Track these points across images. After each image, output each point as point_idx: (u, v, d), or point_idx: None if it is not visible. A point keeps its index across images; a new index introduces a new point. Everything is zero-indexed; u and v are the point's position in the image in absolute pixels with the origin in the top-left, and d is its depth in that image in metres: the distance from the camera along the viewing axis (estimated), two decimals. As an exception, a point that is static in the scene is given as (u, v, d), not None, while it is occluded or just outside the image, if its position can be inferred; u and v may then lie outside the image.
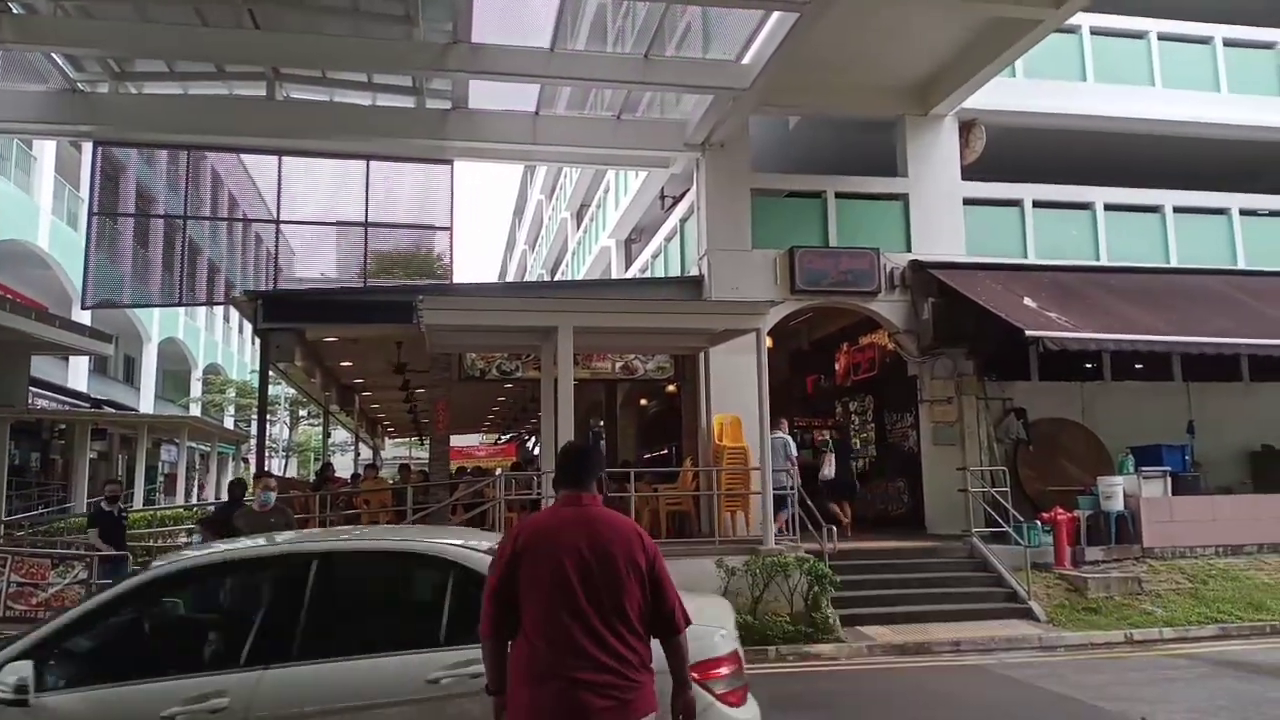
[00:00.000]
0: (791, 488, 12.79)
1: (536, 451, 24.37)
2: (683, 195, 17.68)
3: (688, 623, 3.47)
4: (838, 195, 15.91)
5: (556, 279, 37.04)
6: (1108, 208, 16.87)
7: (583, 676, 3.16)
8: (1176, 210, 17.11)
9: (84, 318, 22.33)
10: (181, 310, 34.94)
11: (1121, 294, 15.18)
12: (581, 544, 3.33)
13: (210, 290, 19.48)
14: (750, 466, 12.99)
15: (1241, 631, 11.30)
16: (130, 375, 34.28)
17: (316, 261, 16.61)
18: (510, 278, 55.03)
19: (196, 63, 15.19)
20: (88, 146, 17.91)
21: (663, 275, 18.64)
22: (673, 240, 18.25)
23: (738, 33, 13.80)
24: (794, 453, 13.98)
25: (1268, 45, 17.83)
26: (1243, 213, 17.43)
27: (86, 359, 26.38)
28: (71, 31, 13.36)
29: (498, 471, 17.25)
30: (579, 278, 30.06)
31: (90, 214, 16.28)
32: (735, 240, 15.28)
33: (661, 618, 3.39)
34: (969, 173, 16.34)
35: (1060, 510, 13.32)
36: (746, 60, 13.98)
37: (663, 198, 20.07)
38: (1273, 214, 17.66)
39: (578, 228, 31.81)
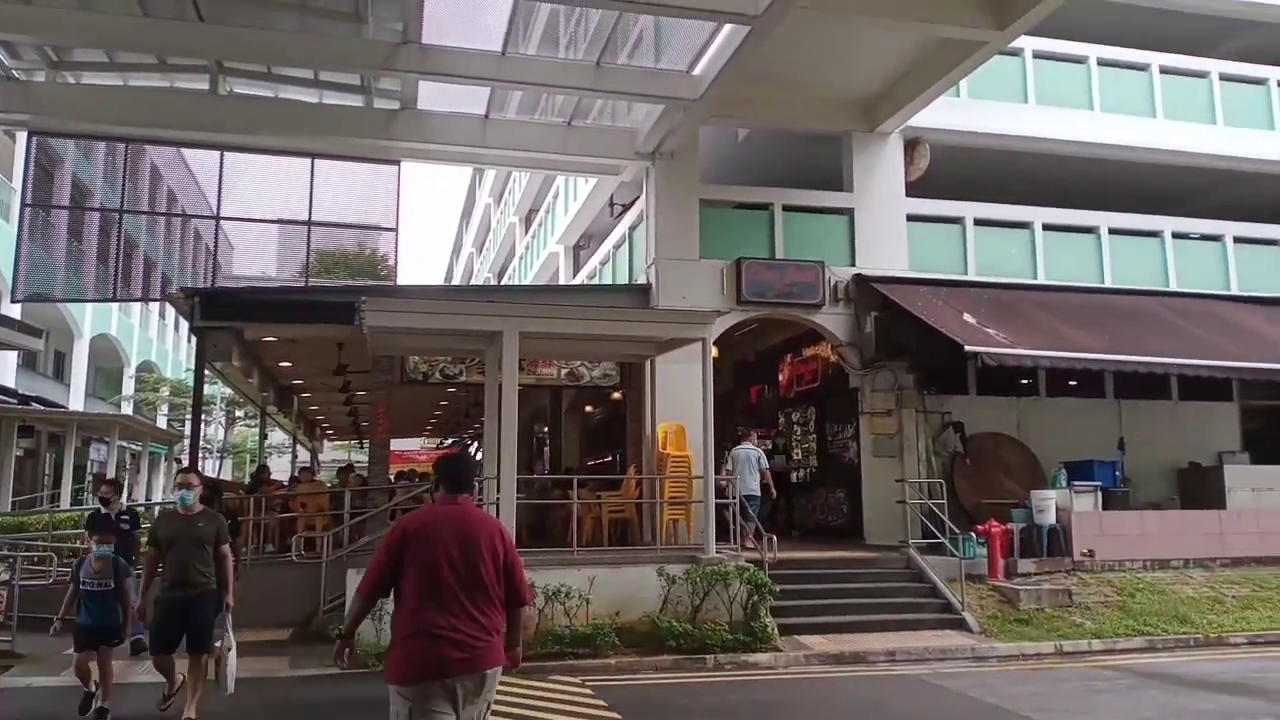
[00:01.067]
0: (733, 497, 12.85)
1: (480, 457, 24.19)
2: (632, 203, 17.71)
3: (531, 599, 4.54)
4: (785, 208, 16.08)
5: (503, 284, 36.87)
6: (1046, 227, 17.26)
7: (445, 634, 4.02)
8: (1112, 231, 17.56)
9: (14, 311, 21.67)
10: (115, 306, 34.09)
11: (1058, 312, 15.52)
12: (455, 535, 4.18)
13: (146, 286, 19.07)
14: (693, 475, 13.03)
15: (1167, 644, 11.60)
16: (60, 371, 33.32)
17: (257, 259, 16.33)
18: (456, 281, 54.63)
19: (137, 54, 14.86)
20: (22, 136, 17.42)
21: (611, 283, 18.65)
22: (621, 248, 18.27)
23: (689, 44, 13.87)
24: (765, 465, 14.09)
25: (1201, 74, 18.38)
26: (1175, 236, 17.94)
27: (15, 354, 25.59)
28: (6, 17, 12.95)
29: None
30: (526, 283, 29.95)
31: (23, 205, 15.85)
32: (683, 250, 15.35)
33: (512, 593, 4.29)
34: (913, 189, 16.62)
35: (995, 523, 13.57)
36: (698, 71, 14.06)
37: (612, 205, 20.08)
38: (1204, 238, 18.22)
39: (526, 232, 31.69)
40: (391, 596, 4.30)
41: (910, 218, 16.52)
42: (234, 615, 7.80)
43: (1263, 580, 13.78)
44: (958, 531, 13.12)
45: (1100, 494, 14.38)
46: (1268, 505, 15.15)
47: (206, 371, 16.13)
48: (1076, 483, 14.40)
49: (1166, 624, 12.10)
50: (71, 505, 24.60)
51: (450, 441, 41.03)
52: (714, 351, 12.76)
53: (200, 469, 17.48)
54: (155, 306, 39.85)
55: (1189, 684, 9.45)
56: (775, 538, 12.43)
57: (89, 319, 32.64)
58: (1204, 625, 12.13)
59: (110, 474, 27.98)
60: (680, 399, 13.47)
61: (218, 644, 7.50)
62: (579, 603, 10.62)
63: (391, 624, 4.25)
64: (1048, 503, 13.96)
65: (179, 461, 33.06)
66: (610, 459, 21.74)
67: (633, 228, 17.34)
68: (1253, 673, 10.00)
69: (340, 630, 4.50)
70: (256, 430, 30.45)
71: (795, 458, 19.04)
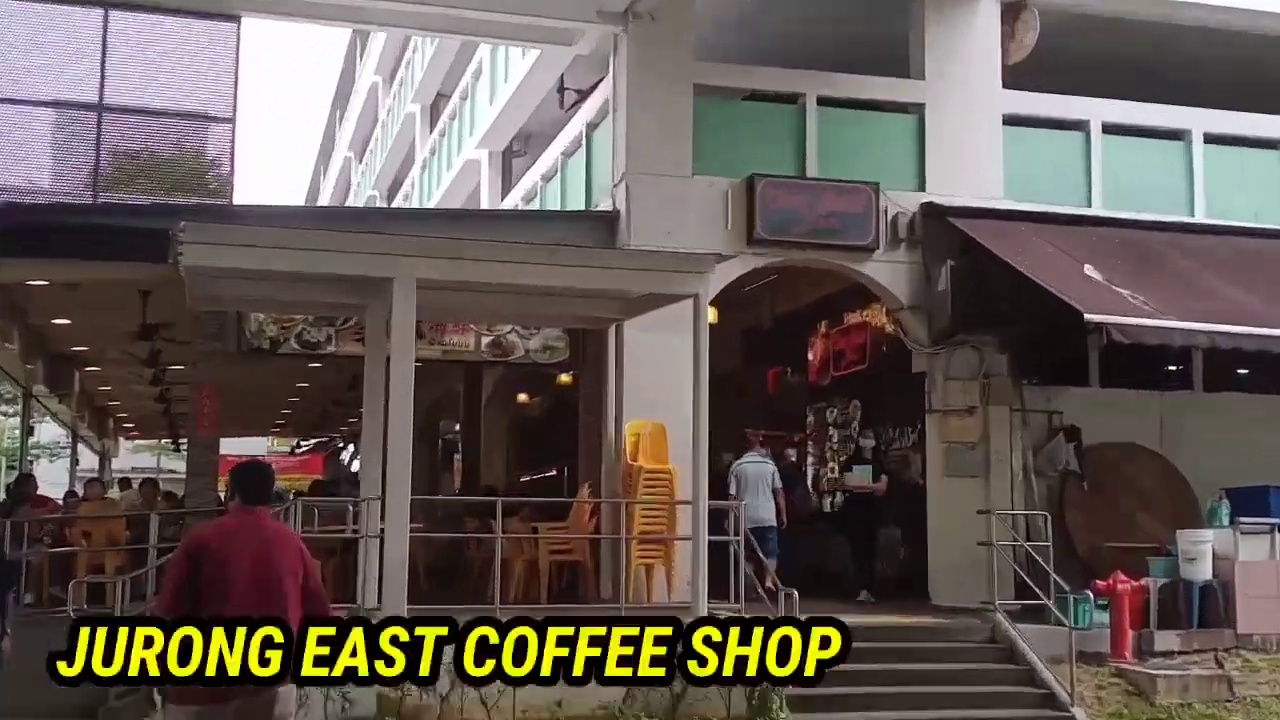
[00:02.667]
0: (734, 534, 12.84)
1: (355, 467, 24.08)
2: (592, 89, 17.63)
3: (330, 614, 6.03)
4: (820, 101, 16.05)
5: (395, 205, 36.69)
6: (1209, 139, 17.31)
7: None
8: (1311, 146, 17.70)
9: None
10: None
11: (1223, 267, 15.60)
12: (251, 552, 5.65)
13: None
14: (677, 499, 13.04)
15: (1369, 761, 11.80)
16: None
17: (21, 161, 16.12)
18: (325, 199, 54.34)
19: None
20: None
21: (558, 208, 18.60)
22: (575, 156, 18.23)
23: None
24: (779, 484, 14.37)
25: None
26: None
27: None
28: None
29: (291, 495, 17.01)
30: (431, 205, 29.83)
31: None
32: (668, 161, 15.30)
33: (314, 613, 5.76)
34: (1014, 77, 16.63)
35: (1123, 577, 13.65)
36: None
37: (562, 91, 19.99)
38: None
39: (431, 129, 31.54)
40: None
41: (1008, 120, 16.55)
42: None
43: None
44: (1067, 588, 13.19)
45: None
46: None
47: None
48: (1244, 519, 14.49)
49: (1372, 730, 12.28)
50: None
51: (311, 444, 40.94)
52: (712, 315, 12.75)
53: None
54: None
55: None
56: (795, 593, 12.44)
57: None
58: None
59: None
60: (660, 385, 13.51)
61: None
62: (502, 687, 10.61)
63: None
64: (1202, 548, 14.05)
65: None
66: (554, 474, 21.76)
67: (593, 126, 17.29)
68: None
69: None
70: (16, 421, 30.21)
71: (832, 473, 18.92)
